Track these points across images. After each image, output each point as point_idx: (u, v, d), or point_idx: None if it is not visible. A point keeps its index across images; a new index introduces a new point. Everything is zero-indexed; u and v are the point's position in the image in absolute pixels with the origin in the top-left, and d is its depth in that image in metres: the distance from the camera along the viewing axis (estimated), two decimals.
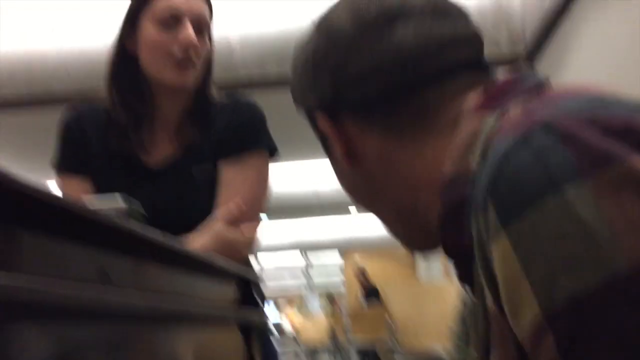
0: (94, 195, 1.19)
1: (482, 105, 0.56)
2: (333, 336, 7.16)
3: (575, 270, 0.38)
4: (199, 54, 1.20)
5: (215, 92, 1.30)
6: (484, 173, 0.44)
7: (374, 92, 0.59)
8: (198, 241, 1.12)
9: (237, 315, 1.04)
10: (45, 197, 0.45)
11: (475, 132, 0.53)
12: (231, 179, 1.23)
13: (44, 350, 0.46)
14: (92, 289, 0.51)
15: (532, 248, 0.39)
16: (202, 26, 1.21)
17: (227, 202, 1.20)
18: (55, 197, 0.47)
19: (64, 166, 1.26)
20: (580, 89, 0.49)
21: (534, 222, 0.39)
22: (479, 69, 0.61)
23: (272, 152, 1.28)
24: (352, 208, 8.56)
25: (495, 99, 0.55)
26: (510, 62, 3.37)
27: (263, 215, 1.27)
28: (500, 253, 0.42)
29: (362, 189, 0.66)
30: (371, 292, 9.00)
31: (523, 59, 3.41)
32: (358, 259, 11.47)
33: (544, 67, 3.35)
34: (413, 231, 0.64)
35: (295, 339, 9.32)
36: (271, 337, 1.33)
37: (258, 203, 1.25)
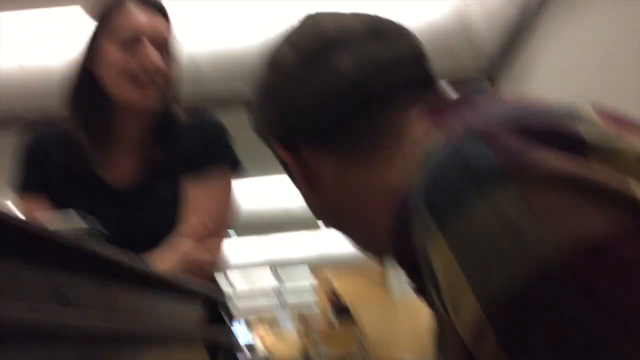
0: (49, 213, 1.17)
1: (430, 121, 0.58)
2: (304, 352, 7.12)
3: (507, 263, 0.39)
4: (160, 72, 1.20)
5: (180, 111, 1.29)
6: (419, 180, 0.47)
7: (322, 122, 0.62)
8: (162, 260, 1.11)
9: (204, 335, 1.03)
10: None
11: (423, 147, 0.56)
12: (195, 196, 1.22)
13: None
14: (48, 311, 0.50)
15: (466, 246, 0.41)
16: (162, 44, 1.21)
17: (193, 220, 1.19)
18: (9, 216, 0.46)
19: (25, 187, 1.24)
20: (513, 100, 0.53)
21: (465, 221, 0.41)
22: (424, 85, 0.63)
23: (236, 168, 1.28)
24: (322, 224, 8.55)
25: (441, 114, 0.57)
26: (475, 78, 3.44)
27: (232, 232, 1.26)
28: (439, 254, 0.43)
29: (325, 210, 0.69)
30: (341, 310, 8.99)
31: (487, 75, 3.47)
32: (329, 275, 11.46)
33: (508, 82, 3.42)
34: (379, 246, 0.67)
35: (266, 358, 9.24)
36: (239, 356, 1.31)
37: (222, 219, 1.24)
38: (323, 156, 0.64)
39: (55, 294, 0.52)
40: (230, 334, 1.13)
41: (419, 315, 3.29)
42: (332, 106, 0.61)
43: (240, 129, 1.31)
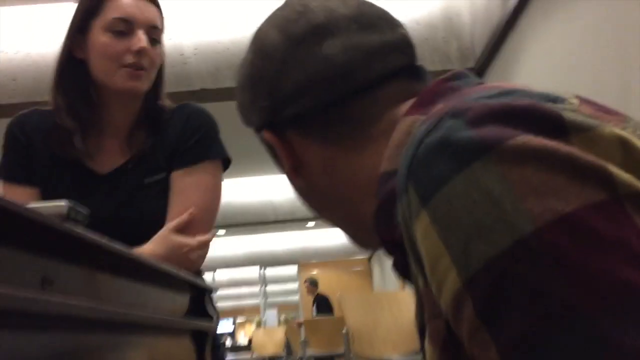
0: (36, 202, 1.17)
1: (415, 107, 0.58)
2: (287, 346, 7.13)
3: (486, 236, 0.40)
4: (151, 60, 1.20)
5: (167, 101, 1.29)
6: (403, 159, 0.47)
7: (309, 106, 0.62)
8: (146, 247, 1.11)
9: (189, 325, 1.02)
10: None
11: (407, 132, 0.56)
12: (183, 189, 1.22)
13: None
14: (33, 296, 0.50)
15: (448, 221, 0.42)
16: (154, 33, 1.21)
17: (180, 212, 1.18)
18: None
19: (9, 176, 1.23)
20: (495, 85, 0.53)
21: (447, 197, 0.42)
22: (412, 75, 0.64)
23: (225, 162, 1.28)
24: (310, 223, 8.58)
25: (426, 100, 0.58)
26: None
27: (222, 232, 1.26)
28: (422, 230, 0.44)
29: (313, 197, 0.69)
30: (321, 301, 9.01)
31: (472, 70, 3.49)
32: (313, 270, 11.47)
33: (493, 79, 3.44)
34: (363, 233, 0.67)
35: (250, 350, 9.24)
36: (223, 347, 1.31)
37: (210, 212, 1.24)
38: (310, 142, 0.64)
39: (40, 280, 0.52)
40: (215, 324, 1.13)
41: (401, 309, 3.31)
42: (319, 90, 0.61)
43: (225, 124, 1.31)
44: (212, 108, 1.34)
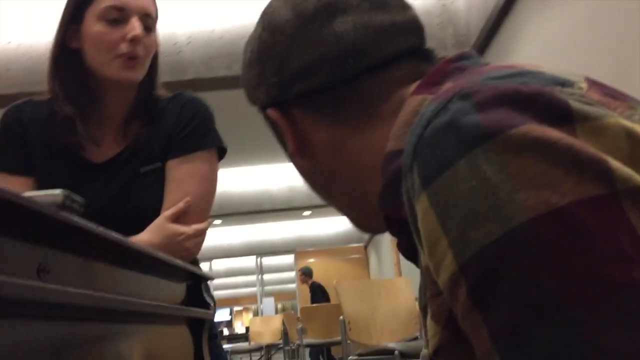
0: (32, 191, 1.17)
1: (422, 86, 0.58)
2: (285, 334, 7.17)
3: (481, 224, 0.40)
4: (145, 48, 1.19)
5: (162, 91, 1.28)
6: (410, 138, 0.47)
7: (318, 84, 0.61)
8: (143, 236, 1.11)
9: (186, 313, 1.03)
10: None
11: (415, 111, 0.56)
12: (179, 178, 1.21)
13: None
14: (29, 285, 0.49)
15: (447, 206, 0.42)
16: (149, 22, 1.20)
17: (176, 201, 1.18)
18: None
19: (4, 166, 1.22)
20: (505, 65, 0.52)
21: (448, 181, 0.43)
22: (421, 56, 0.63)
23: (220, 151, 1.28)
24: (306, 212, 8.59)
25: (434, 80, 0.57)
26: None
27: (218, 221, 1.26)
28: (422, 212, 0.44)
29: (317, 178, 0.68)
30: (316, 290, 9.03)
31: None
32: (310, 259, 11.49)
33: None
34: (367, 216, 0.67)
35: (248, 338, 9.28)
36: (220, 336, 1.31)
37: (206, 201, 1.24)
38: (317, 120, 0.63)
39: (37, 269, 0.52)
40: (213, 314, 1.13)
41: (399, 298, 3.32)
42: (330, 68, 0.61)
43: (219, 114, 1.31)
44: (207, 97, 1.34)
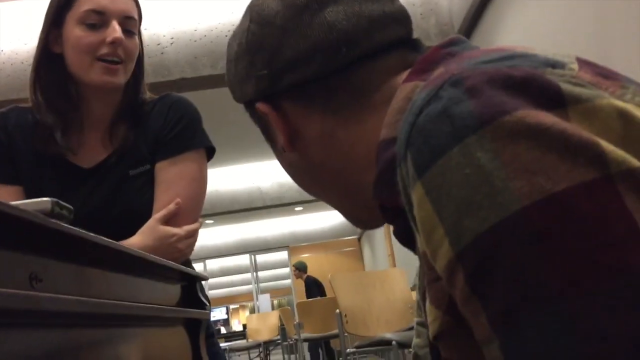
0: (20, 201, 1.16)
1: (413, 74, 0.58)
2: (282, 329, 7.18)
3: (475, 212, 0.40)
4: (127, 51, 1.18)
5: (147, 92, 1.28)
6: (403, 126, 0.47)
7: (310, 74, 0.61)
8: (135, 239, 1.10)
9: (182, 314, 1.03)
10: None
11: (407, 98, 0.56)
12: (168, 179, 1.21)
13: None
14: (22, 293, 0.49)
15: (441, 194, 0.42)
16: (130, 25, 1.19)
17: (166, 203, 1.18)
18: None
19: None
20: (495, 48, 0.52)
21: (441, 170, 0.42)
22: (409, 46, 0.63)
23: (209, 151, 1.27)
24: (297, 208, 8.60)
25: (425, 67, 0.57)
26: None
27: (210, 221, 1.26)
28: (418, 200, 0.44)
29: (307, 173, 0.67)
30: (311, 284, 9.04)
31: None
32: (304, 254, 11.50)
33: None
34: (359, 208, 0.66)
35: (245, 336, 9.28)
36: (216, 335, 1.32)
37: (196, 201, 1.24)
38: (308, 112, 0.62)
39: (28, 277, 0.52)
40: (209, 314, 1.13)
41: (394, 289, 3.33)
42: (322, 58, 0.60)
43: (204, 114, 1.30)
44: (192, 97, 1.33)
